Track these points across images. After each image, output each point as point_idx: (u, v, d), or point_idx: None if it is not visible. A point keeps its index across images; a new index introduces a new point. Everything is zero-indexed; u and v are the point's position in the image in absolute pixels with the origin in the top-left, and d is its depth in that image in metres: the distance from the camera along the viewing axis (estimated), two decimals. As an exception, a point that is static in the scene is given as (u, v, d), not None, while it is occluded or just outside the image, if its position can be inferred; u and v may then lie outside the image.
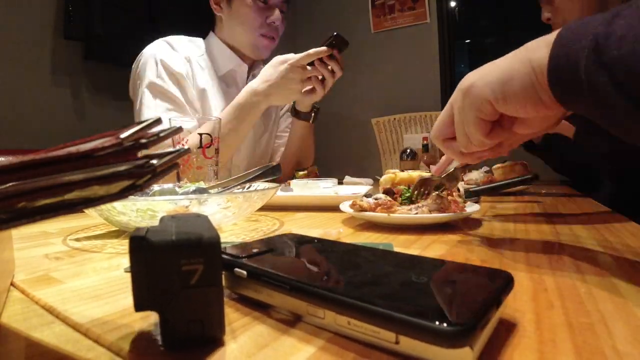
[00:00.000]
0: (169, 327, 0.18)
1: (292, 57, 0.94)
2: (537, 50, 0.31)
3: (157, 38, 1.11)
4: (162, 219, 0.22)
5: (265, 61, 1.05)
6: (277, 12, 1.09)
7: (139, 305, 0.18)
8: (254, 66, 1.19)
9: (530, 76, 0.31)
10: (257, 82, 0.94)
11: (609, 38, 0.25)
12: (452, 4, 2.48)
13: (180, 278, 0.18)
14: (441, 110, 0.40)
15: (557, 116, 0.35)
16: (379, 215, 0.50)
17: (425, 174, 0.66)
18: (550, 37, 0.30)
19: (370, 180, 1.13)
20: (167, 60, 1.01)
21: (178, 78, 1.01)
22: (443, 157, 0.51)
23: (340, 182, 0.99)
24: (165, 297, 0.18)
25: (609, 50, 0.25)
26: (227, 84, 1.12)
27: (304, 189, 0.83)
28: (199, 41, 1.14)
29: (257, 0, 1.06)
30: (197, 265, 0.18)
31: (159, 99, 0.98)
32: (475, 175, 0.99)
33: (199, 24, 1.18)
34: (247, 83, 1.08)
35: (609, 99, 0.26)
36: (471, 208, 0.54)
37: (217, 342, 0.19)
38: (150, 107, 0.96)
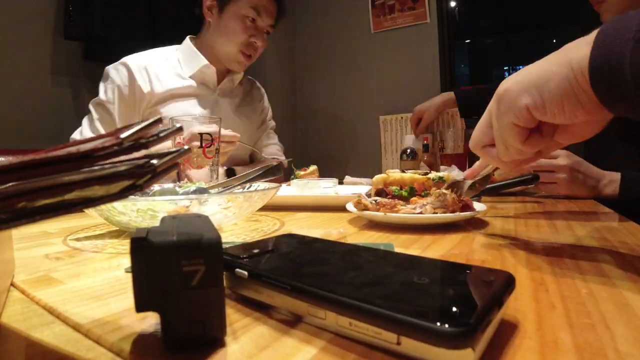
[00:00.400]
0: (170, 328, 0.18)
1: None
2: (577, 50, 0.28)
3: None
4: (163, 220, 0.22)
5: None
6: (261, 34, 1.15)
7: (140, 306, 0.18)
8: (232, 71, 1.23)
9: (569, 78, 0.28)
10: None
11: None
12: (452, 4, 2.48)
13: (182, 279, 0.17)
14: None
15: (600, 123, 0.33)
16: (380, 215, 0.50)
17: (418, 177, 0.66)
18: (592, 35, 0.28)
19: (370, 180, 1.12)
20: (114, 78, 1.08)
21: (119, 91, 1.08)
22: (477, 162, 0.50)
23: (340, 182, 0.99)
24: (166, 298, 0.18)
25: None
26: (198, 84, 1.17)
27: (304, 189, 0.83)
28: (169, 48, 1.20)
29: (246, 18, 1.11)
30: (198, 266, 0.18)
31: (95, 109, 1.08)
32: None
33: (199, 24, 1.20)
34: (218, 85, 1.19)
35: None
36: (477, 208, 0.54)
37: (218, 343, 0.19)
38: (86, 120, 1.08)
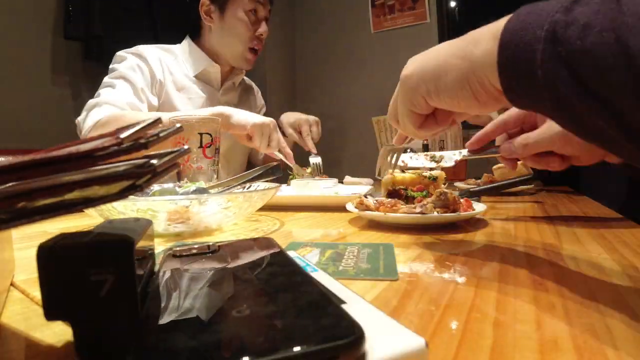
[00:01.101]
0: (81, 340, 0.17)
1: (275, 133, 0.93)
2: (480, 43, 0.28)
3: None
4: (99, 225, 0.21)
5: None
6: (264, 25, 1.15)
7: (49, 315, 0.17)
8: (234, 72, 1.24)
9: (467, 73, 0.29)
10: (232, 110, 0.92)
11: (569, 27, 0.22)
12: (452, 4, 2.48)
13: (90, 288, 0.16)
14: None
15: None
16: (380, 214, 0.50)
17: (420, 177, 0.66)
18: (497, 26, 0.27)
19: (370, 180, 1.12)
20: (131, 58, 1.05)
21: (141, 70, 1.05)
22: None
23: (340, 182, 0.99)
24: (74, 308, 0.16)
25: (571, 41, 0.21)
26: (202, 83, 1.17)
27: (304, 189, 0.83)
28: (171, 48, 1.18)
29: (249, 13, 1.10)
30: (106, 275, 0.16)
31: (115, 77, 1.02)
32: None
33: (199, 24, 1.20)
34: (222, 86, 1.19)
35: (573, 99, 0.22)
36: (478, 208, 0.54)
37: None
38: (106, 83, 1.02)
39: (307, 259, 0.36)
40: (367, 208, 0.53)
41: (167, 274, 0.23)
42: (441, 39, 2.41)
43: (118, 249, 0.17)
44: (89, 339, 0.17)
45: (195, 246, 0.28)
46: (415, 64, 0.34)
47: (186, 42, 1.19)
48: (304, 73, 2.77)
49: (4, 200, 0.14)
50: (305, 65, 2.77)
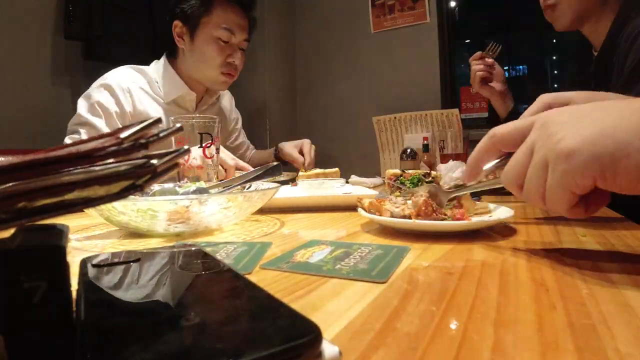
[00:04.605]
0: (14, 351, 0.16)
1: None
2: None
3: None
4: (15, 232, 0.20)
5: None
6: (237, 53, 1.14)
7: None
8: (208, 92, 1.24)
9: None
10: None
11: None
12: (452, 4, 2.48)
13: (22, 296, 0.15)
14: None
15: None
16: (403, 222, 0.45)
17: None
18: None
19: (376, 180, 1.12)
20: (98, 97, 1.06)
21: (103, 110, 1.05)
22: (473, 154, 0.40)
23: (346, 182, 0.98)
24: (6, 317, 0.16)
25: None
26: (176, 107, 1.17)
27: (319, 189, 0.80)
28: (147, 68, 1.18)
29: (218, 40, 1.10)
30: (39, 282, 0.16)
31: (79, 123, 1.05)
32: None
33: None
34: (197, 109, 1.19)
35: None
36: (499, 213, 0.50)
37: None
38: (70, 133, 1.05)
39: (314, 257, 0.36)
40: (391, 214, 0.48)
41: (93, 285, 0.22)
42: (441, 39, 2.41)
43: (50, 254, 0.16)
44: (24, 350, 0.16)
45: (118, 255, 0.27)
46: (582, 137, 0.28)
47: (162, 63, 1.18)
48: (304, 73, 2.77)
49: (4, 200, 0.14)
50: (305, 65, 2.77)
